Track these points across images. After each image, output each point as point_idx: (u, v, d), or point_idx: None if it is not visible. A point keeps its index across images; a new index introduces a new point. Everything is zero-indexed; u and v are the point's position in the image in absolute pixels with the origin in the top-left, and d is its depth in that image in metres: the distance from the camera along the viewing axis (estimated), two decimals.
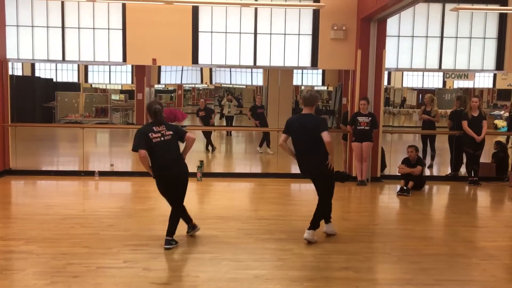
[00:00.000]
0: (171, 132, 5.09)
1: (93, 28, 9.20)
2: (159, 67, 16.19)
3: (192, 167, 10.18)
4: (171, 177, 5.09)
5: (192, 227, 5.49)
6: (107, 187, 8.48)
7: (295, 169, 5.64)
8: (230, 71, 18.27)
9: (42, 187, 8.57)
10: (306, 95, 5.32)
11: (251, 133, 13.30)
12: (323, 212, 5.41)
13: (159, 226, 5.83)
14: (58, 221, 6.02)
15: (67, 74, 20.11)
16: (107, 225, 5.86)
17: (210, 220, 6.17)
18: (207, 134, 12.28)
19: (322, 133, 5.06)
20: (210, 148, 12.12)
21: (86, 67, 18.81)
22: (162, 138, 5.04)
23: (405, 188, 8.02)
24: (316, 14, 9.28)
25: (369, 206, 7.58)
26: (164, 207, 6.03)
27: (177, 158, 5.10)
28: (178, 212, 5.22)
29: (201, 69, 18.61)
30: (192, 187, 8.46)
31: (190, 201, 7.67)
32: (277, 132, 9.62)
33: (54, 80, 20.13)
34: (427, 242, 5.56)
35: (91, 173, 8.92)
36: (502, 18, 9.70)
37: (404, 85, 20.59)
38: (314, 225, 5.33)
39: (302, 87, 19.42)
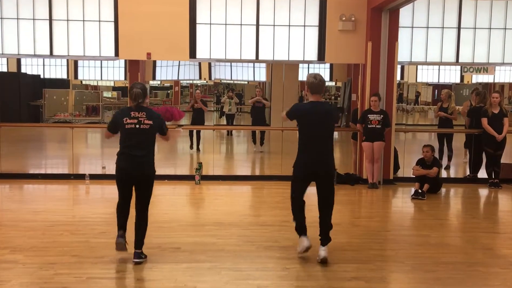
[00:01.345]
0: (150, 122, 4.82)
1: (83, 21, 9.22)
2: (154, 62, 16.21)
3: (190, 170, 10.32)
4: (126, 174, 4.84)
5: (122, 237, 4.96)
6: (98, 192, 8.48)
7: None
8: (231, 66, 18.29)
9: (29, 192, 8.58)
10: (315, 81, 4.92)
11: (255, 132, 13.31)
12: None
13: (155, 233, 5.82)
14: (46, 228, 6.02)
15: (56, 70, 20.15)
16: (98, 232, 5.87)
17: (209, 227, 6.17)
18: (199, 132, 12.33)
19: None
20: (194, 147, 12.16)
21: (75, 63, 18.85)
22: (137, 126, 4.78)
23: (420, 191, 8.00)
24: (323, 3, 9.27)
25: (381, 211, 7.56)
26: (160, 213, 6.04)
27: (143, 154, 4.82)
28: (143, 219, 4.95)
29: (199, 64, 18.63)
30: (190, 191, 8.48)
31: (188, 206, 7.73)
32: (281, 131, 9.63)
33: (42, 76, 20.18)
34: (443, 250, 5.54)
35: (81, 177, 8.93)
36: None
37: (419, 80, 20.57)
38: (328, 239, 5.07)
39: None
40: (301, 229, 5.13)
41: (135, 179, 4.89)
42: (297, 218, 5.13)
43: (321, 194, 5.09)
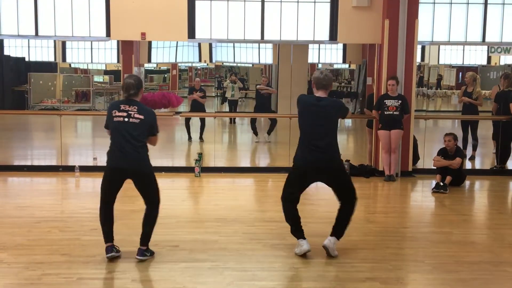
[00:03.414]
0: (141, 117, 4.84)
1: None
2: (150, 43, 16.17)
3: (189, 161, 10.33)
4: (115, 171, 4.89)
5: (112, 249, 5.01)
6: (89, 185, 8.52)
7: None
8: (234, 47, 18.22)
9: (14, 185, 8.63)
10: (320, 75, 5.13)
11: (258, 120, 13.31)
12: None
13: None
14: (33, 225, 6.06)
15: (42, 52, 20.14)
16: (89, 229, 5.90)
17: (210, 223, 6.20)
18: (203, 120, 12.29)
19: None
20: (196, 137, 12.11)
21: (63, 44, 18.81)
22: (126, 119, 4.81)
23: (441, 184, 7.99)
24: None
25: (398, 205, 7.56)
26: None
27: (133, 150, 4.83)
28: (150, 214, 5.03)
29: (199, 45, 18.55)
30: (189, 184, 8.51)
31: (187, 201, 7.76)
32: (289, 118, 9.62)
33: (26, 59, 20.18)
34: (467, 248, 5.54)
35: (70, 168, 8.96)
36: None
37: (441, 62, 20.42)
38: (340, 233, 5.18)
39: (319, 65, 19.32)
40: (298, 232, 5.20)
41: (125, 178, 4.93)
42: (291, 220, 5.21)
43: (336, 189, 5.19)
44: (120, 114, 4.84)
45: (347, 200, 5.18)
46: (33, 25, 9.25)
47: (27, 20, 9.23)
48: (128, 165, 4.87)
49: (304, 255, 5.12)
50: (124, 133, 4.82)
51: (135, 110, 4.86)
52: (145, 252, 4.99)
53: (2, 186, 8.44)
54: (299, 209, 5.25)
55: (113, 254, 4.96)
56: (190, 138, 12.28)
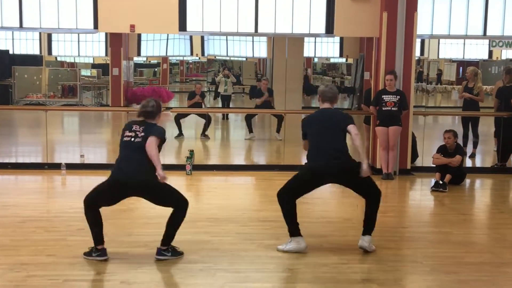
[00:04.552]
0: (143, 134, 4.94)
1: None
2: (139, 36, 16.11)
3: (180, 159, 10.30)
4: (116, 183, 4.93)
5: (105, 254, 5.01)
6: (76, 183, 8.50)
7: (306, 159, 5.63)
8: (227, 40, 18.19)
9: None
10: (326, 88, 5.48)
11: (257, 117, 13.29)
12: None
13: (141, 230, 5.86)
14: (17, 225, 6.04)
15: (26, 45, 20.03)
16: (76, 229, 5.88)
17: (202, 223, 6.19)
18: (208, 117, 12.21)
19: (349, 126, 5.27)
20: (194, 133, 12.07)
21: (49, 36, 18.70)
22: (132, 139, 4.93)
23: (441, 182, 8.02)
24: None
25: (396, 205, 7.59)
26: (147, 208, 6.05)
27: (136, 164, 4.89)
28: (175, 216, 5.07)
29: (191, 37, 18.50)
30: (180, 182, 8.48)
31: None
32: (284, 114, 9.63)
33: (11, 52, 20.07)
34: (467, 249, 5.57)
35: (56, 166, 8.93)
36: None
37: (441, 56, 20.46)
38: (371, 229, 5.34)
39: (315, 59, 19.34)
40: (297, 229, 5.30)
41: (126, 187, 4.93)
42: (291, 216, 5.31)
43: (357, 189, 5.38)
44: (130, 133, 4.95)
45: (371, 196, 5.34)
46: (17, 16, 9.19)
47: (11, 11, 9.17)
48: (129, 178, 4.89)
49: (295, 254, 5.16)
50: (129, 148, 4.93)
51: (141, 129, 4.94)
52: (163, 252, 5.01)
53: None
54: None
55: (106, 258, 4.95)
56: (181, 134, 12.23)
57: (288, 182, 5.40)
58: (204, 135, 12.13)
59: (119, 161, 4.99)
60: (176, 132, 12.27)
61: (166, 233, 5.04)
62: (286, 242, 5.32)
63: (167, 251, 5.04)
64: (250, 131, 12.25)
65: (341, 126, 5.30)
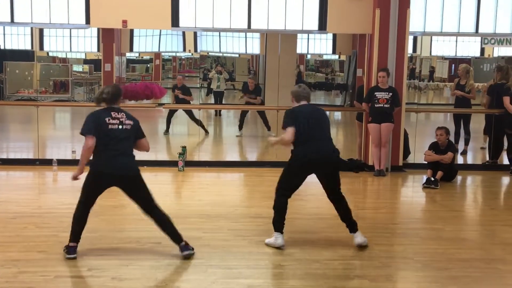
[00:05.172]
0: (131, 122, 4.97)
1: None
2: (131, 31, 16.05)
3: (173, 155, 10.29)
4: (111, 177, 4.93)
5: (75, 252, 4.98)
6: (67, 179, 8.34)
7: None
8: (219, 36, 18.15)
9: None
10: (299, 88, 5.54)
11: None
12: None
13: (132, 226, 5.85)
14: (8, 221, 6.02)
15: (18, 40, 19.90)
16: (67, 225, 5.80)
17: (194, 219, 6.19)
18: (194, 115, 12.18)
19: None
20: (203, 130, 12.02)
21: (41, 31, 18.57)
22: (120, 126, 4.90)
23: (432, 179, 8.05)
24: None
25: (388, 201, 7.62)
26: None
27: (129, 156, 4.98)
28: (158, 216, 5.09)
29: (183, 33, 18.45)
30: (172, 178, 8.49)
31: (169, 196, 7.73)
32: (277, 111, 9.61)
33: (2, 47, 19.95)
34: (458, 245, 5.60)
35: (48, 162, 8.89)
36: None
37: (433, 53, 20.51)
38: (355, 225, 5.42)
39: (308, 56, 19.32)
40: (281, 225, 5.34)
41: (118, 182, 4.96)
42: (282, 212, 5.34)
43: (330, 186, 5.37)
44: (114, 121, 4.90)
45: (338, 197, 5.39)
46: (8, 11, 9.14)
47: (2, 6, 9.12)
48: (121, 170, 4.91)
49: (287, 250, 5.20)
50: (121, 138, 4.90)
51: (124, 116, 4.96)
52: (188, 247, 5.00)
53: None
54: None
55: (74, 256, 4.92)
56: (167, 131, 12.15)
57: (283, 177, 5.39)
58: (205, 132, 12.11)
59: (115, 152, 4.89)
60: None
61: (171, 232, 5.05)
62: (274, 236, 5.31)
63: (188, 245, 5.01)
64: (240, 128, 12.24)
65: (327, 120, 5.48)
